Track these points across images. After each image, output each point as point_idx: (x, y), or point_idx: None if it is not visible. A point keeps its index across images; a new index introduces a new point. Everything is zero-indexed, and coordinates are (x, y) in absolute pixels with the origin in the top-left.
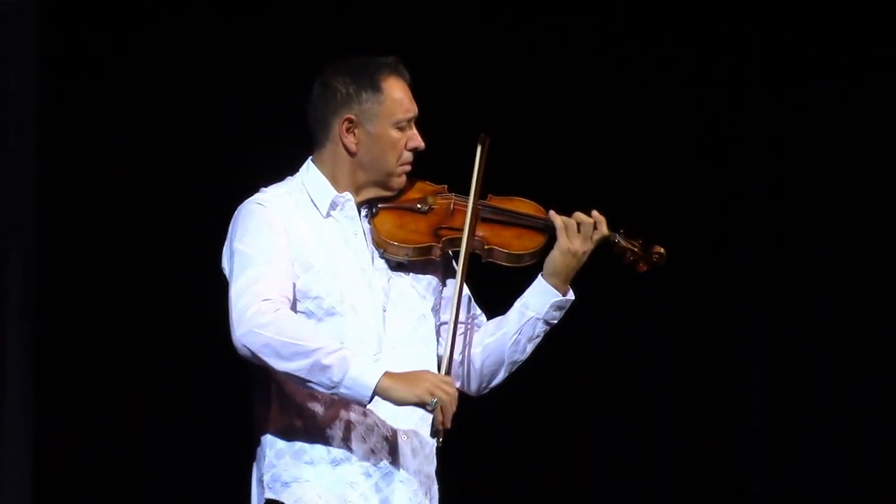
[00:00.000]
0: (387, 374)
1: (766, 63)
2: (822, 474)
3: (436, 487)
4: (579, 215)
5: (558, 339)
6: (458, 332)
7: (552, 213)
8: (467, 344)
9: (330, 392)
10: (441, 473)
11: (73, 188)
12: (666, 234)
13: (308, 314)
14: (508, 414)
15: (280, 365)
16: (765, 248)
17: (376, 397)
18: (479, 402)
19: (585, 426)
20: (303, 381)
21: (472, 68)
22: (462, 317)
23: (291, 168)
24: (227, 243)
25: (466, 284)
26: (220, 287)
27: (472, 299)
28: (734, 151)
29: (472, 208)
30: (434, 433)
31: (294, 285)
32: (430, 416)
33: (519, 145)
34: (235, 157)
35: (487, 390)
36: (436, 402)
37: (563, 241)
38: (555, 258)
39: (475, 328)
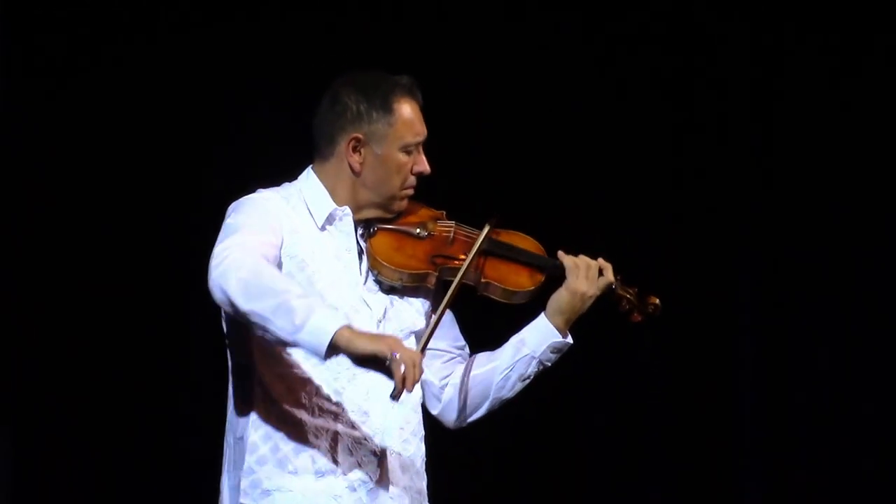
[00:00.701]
0: (348, 327)
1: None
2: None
3: None
4: (586, 259)
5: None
6: (441, 324)
7: (561, 253)
8: (448, 372)
9: (291, 338)
10: (434, 492)
11: (56, 194)
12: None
13: None
14: (502, 432)
15: (247, 304)
16: (755, 253)
17: (337, 353)
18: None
19: (578, 446)
20: (264, 326)
21: (470, 96)
22: (449, 323)
23: (288, 176)
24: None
25: (455, 313)
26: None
27: (459, 329)
28: (720, 159)
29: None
30: (393, 393)
31: (281, 266)
32: (420, 433)
33: (511, 176)
34: (228, 166)
35: (466, 424)
36: (397, 357)
37: (572, 282)
38: (562, 298)
39: (461, 358)
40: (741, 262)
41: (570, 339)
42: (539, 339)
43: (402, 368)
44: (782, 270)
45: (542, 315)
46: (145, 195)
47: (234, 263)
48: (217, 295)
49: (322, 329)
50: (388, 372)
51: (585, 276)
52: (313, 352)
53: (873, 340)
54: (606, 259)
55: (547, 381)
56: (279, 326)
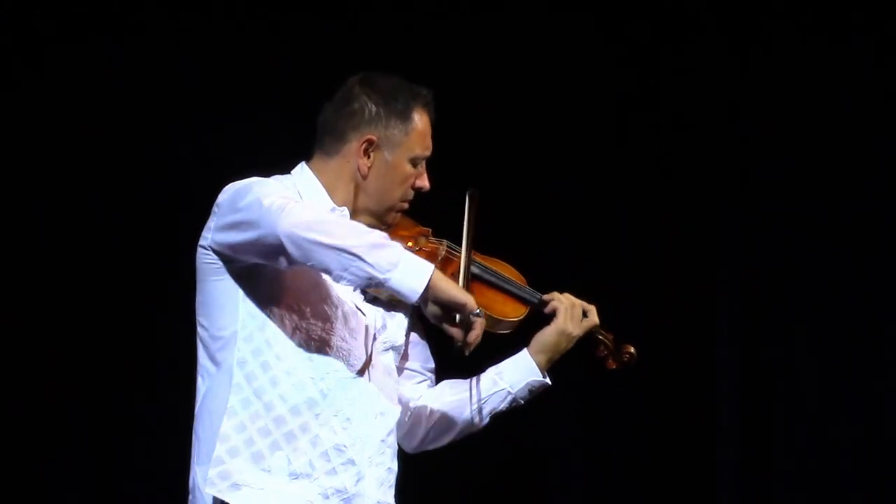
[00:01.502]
0: (437, 270)
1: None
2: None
3: None
4: (573, 299)
5: None
6: (414, 345)
7: (555, 293)
8: (414, 394)
9: (382, 275)
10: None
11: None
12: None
13: (296, 314)
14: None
15: (333, 239)
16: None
17: (425, 296)
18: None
19: (562, 448)
20: (349, 263)
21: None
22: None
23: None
24: (224, 212)
25: (425, 338)
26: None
27: (430, 352)
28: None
29: (466, 258)
30: (464, 347)
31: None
32: (396, 447)
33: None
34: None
35: (421, 450)
36: (481, 313)
37: (561, 321)
38: (548, 336)
39: (430, 381)
40: (721, 276)
41: (548, 381)
42: (518, 375)
43: (479, 328)
44: (763, 279)
45: (525, 351)
46: (127, 193)
47: (304, 208)
48: (292, 236)
49: (420, 268)
50: (455, 324)
51: (574, 316)
52: (405, 290)
53: (857, 349)
54: (589, 298)
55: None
56: (371, 263)
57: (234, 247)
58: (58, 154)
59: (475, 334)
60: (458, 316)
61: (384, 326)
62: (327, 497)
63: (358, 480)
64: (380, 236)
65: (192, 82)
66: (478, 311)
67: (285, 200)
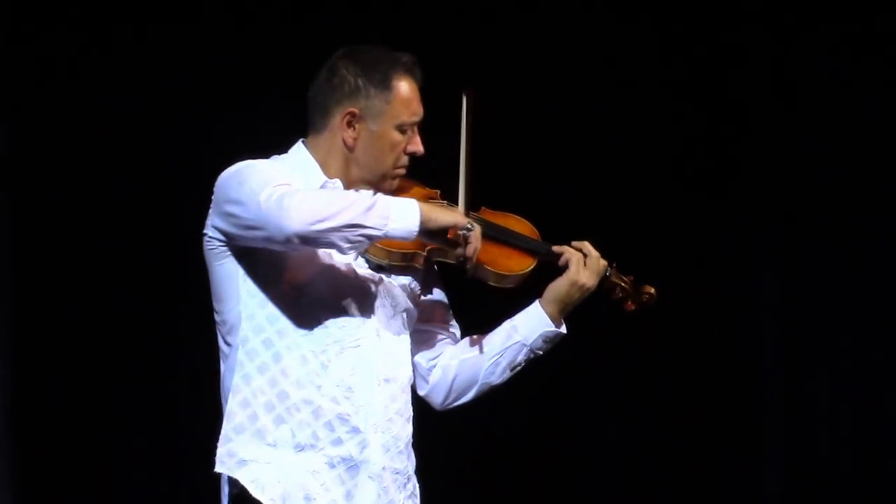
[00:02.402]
0: (420, 202)
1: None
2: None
3: (414, 485)
4: (591, 249)
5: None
6: (433, 305)
7: (573, 245)
8: (438, 354)
9: (382, 231)
10: (428, 471)
11: (50, 193)
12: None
13: (295, 290)
14: (500, 415)
15: (334, 221)
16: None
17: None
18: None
19: (584, 432)
20: (353, 231)
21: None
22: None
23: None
24: (220, 202)
25: (446, 295)
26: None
27: (451, 311)
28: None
29: (465, 177)
30: (464, 262)
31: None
32: (407, 413)
33: (508, 157)
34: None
35: (451, 407)
36: (472, 227)
37: (573, 272)
38: (560, 287)
39: (452, 339)
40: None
41: (563, 329)
42: (532, 326)
43: (476, 241)
44: (804, 266)
45: (537, 302)
46: (124, 196)
47: (296, 193)
48: (292, 226)
49: (408, 209)
50: (453, 244)
51: (590, 268)
52: (404, 232)
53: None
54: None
55: (554, 379)
56: (372, 224)
57: (235, 237)
58: (71, 148)
59: (471, 248)
60: (453, 236)
61: (389, 293)
62: (333, 466)
63: (363, 448)
64: (365, 196)
65: (197, 69)
66: (469, 224)
67: (279, 190)
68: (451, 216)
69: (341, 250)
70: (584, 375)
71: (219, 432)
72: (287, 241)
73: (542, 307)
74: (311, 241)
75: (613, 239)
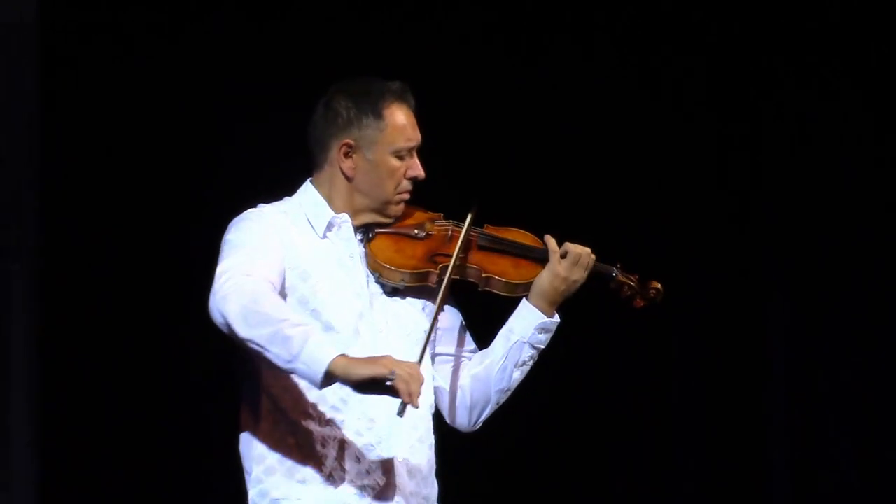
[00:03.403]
0: (343, 355)
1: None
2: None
3: None
4: (574, 245)
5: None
6: (451, 329)
7: (547, 237)
8: (457, 377)
9: (287, 367)
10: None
11: (75, 202)
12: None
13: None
14: (515, 434)
15: (245, 331)
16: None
17: (333, 381)
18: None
19: (593, 445)
20: (261, 353)
21: (470, 96)
22: (451, 331)
23: (289, 190)
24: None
25: (462, 314)
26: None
27: (468, 331)
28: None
29: (447, 283)
30: (399, 410)
31: (284, 282)
32: (429, 440)
33: (511, 165)
34: (234, 177)
35: (479, 424)
36: (395, 374)
37: (553, 264)
38: (542, 280)
39: (466, 360)
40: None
41: (556, 318)
42: (525, 323)
43: (404, 384)
44: (813, 271)
45: (524, 300)
46: (145, 210)
47: (235, 288)
48: (217, 319)
49: (317, 359)
50: (390, 391)
51: (571, 261)
52: (310, 381)
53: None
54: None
55: (562, 391)
56: (275, 354)
57: None
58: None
59: (403, 394)
60: (384, 383)
61: (403, 321)
62: (363, 496)
63: (390, 476)
64: (290, 325)
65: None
66: (391, 373)
67: (230, 275)
68: (369, 368)
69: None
70: (584, 381)
71: (241, 469)
72: (215, 319)
73: (531, 302)
74: (232, 333)
75: (615, 238)
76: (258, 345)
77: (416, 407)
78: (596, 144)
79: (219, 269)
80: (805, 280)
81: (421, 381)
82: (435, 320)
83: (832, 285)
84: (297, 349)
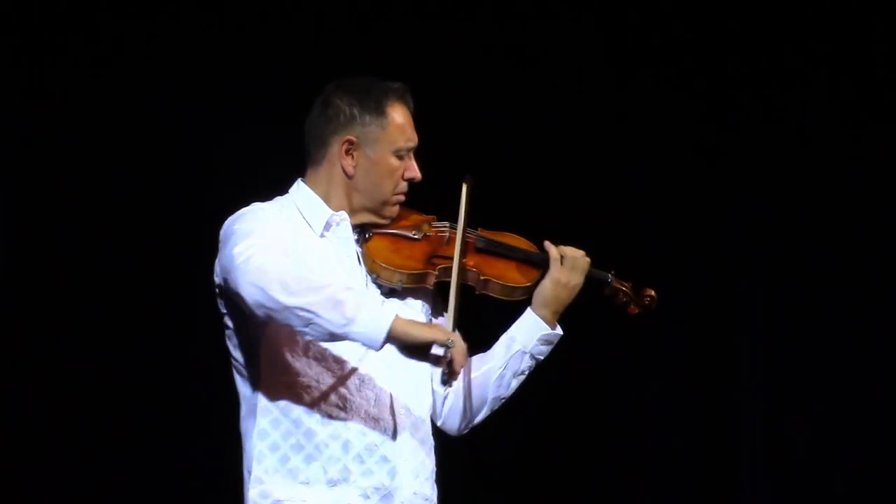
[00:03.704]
0: (399, 316)
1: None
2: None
3: None
4: (568, 248)
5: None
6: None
7: (547, 243)
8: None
9: (341, 331)
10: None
11: (53, 206)
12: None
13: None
14: (510, 438)
15: (290, 299)
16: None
17: (387, 343)
18: (485, 427)
19: (583, 445)
20: (309, 320)
21: (461, 100)
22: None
23: (279, 190)
24: (220, 251)
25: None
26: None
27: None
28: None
29: (461, 244)
30: (445, 380)
31: None
32: (429, 442)
33: (503, 172)
34: (225, 179)
35: (468, 429)
36: (454, 343)
37: (555, 272)
38: (546, 289)
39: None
40: (746, 264)
41: (559, 330)
42: (528, 333)
43: (459, 356)
44: (788, 271)
45: (528, 309)
46: (142, 202)
47: (265, 260)
48: (250, 295)
49: (378, 320)
50: (435, 360)
51: (570, 266)
52: (367, 342)
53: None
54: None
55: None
56: (328, 319)
57: (225, 290)
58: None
59: (456, 363)
60: (433, 351)
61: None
62: (367, 497)
63: (394, 476)
64: (340, 289)
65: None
66: (449, 341)
67: (252, 252)
68: (429, 332)
69: (301, 332)
70: (582, 385)
71: (240, 471)
72: (245, 301)
73: (535, 312)
74: (266, 309)
75: (605, 244)
76: (308, 311)
77: (455, 379)
78: (585, 151)
79: (235, 251)
80: (786, 291)
81: (466, 359)
82: (457, 303)
83: (811, 300)
84: (352, 312)
